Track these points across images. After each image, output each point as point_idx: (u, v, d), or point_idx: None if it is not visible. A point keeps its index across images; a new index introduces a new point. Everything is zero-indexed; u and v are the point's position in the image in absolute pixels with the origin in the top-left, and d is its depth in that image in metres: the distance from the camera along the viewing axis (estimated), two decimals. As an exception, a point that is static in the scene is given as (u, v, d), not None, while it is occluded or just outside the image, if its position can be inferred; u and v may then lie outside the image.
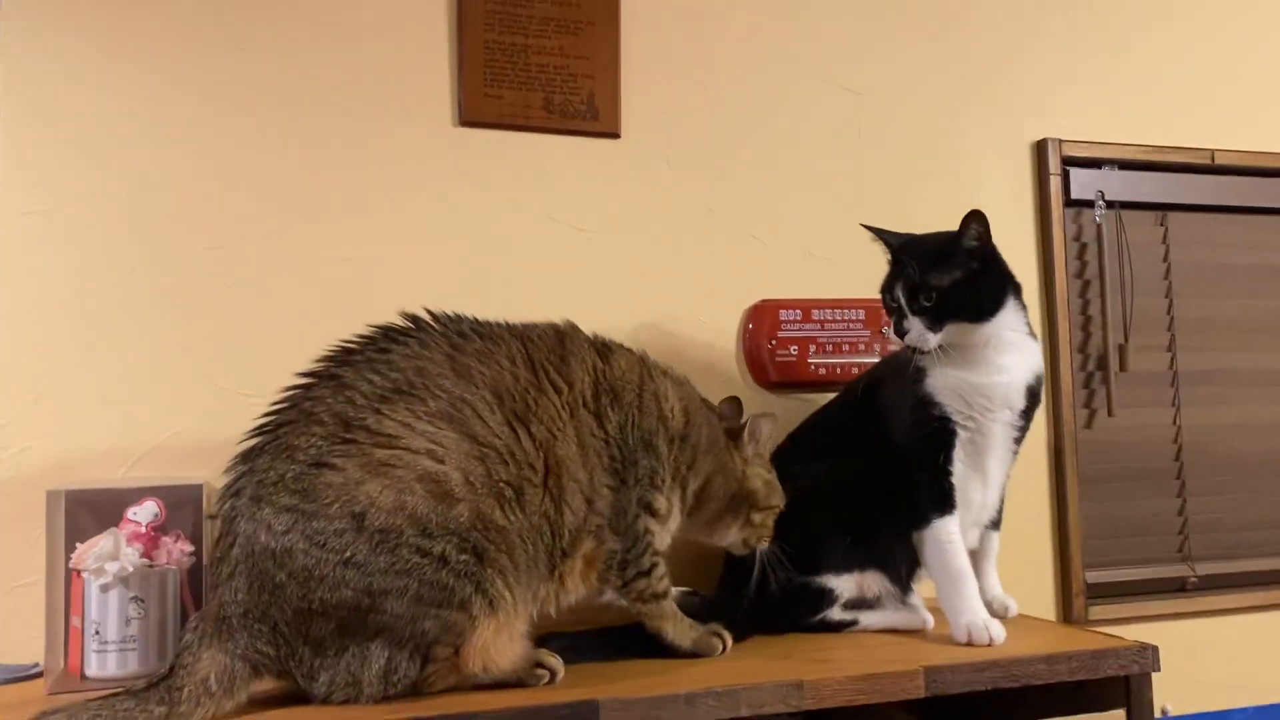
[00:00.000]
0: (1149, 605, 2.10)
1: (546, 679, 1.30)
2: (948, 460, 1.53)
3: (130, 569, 1.39)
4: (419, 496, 1.24)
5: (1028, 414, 1.57)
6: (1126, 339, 2.15)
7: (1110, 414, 2.11)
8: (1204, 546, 2.18)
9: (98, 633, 1.39)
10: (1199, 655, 2.11)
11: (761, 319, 1.88)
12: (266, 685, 1.25)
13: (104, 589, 1.39)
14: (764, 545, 1.56)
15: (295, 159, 1.68)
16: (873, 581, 1.60)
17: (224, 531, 1.26)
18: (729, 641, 1.47)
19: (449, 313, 1.40)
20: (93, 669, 1.39)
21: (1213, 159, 2.22)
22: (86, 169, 1.59)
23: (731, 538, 1.56)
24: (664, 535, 1.48)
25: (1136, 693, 1.44)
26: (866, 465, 1.59)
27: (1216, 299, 2.25)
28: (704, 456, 1.51)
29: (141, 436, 1.59)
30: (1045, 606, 2.04)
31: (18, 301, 1.55)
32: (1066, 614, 2.03)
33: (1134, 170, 2.18)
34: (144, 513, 1.48)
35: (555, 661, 1.32)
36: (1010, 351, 1.52)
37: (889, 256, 1.58)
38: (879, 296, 1.59)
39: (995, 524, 1.67)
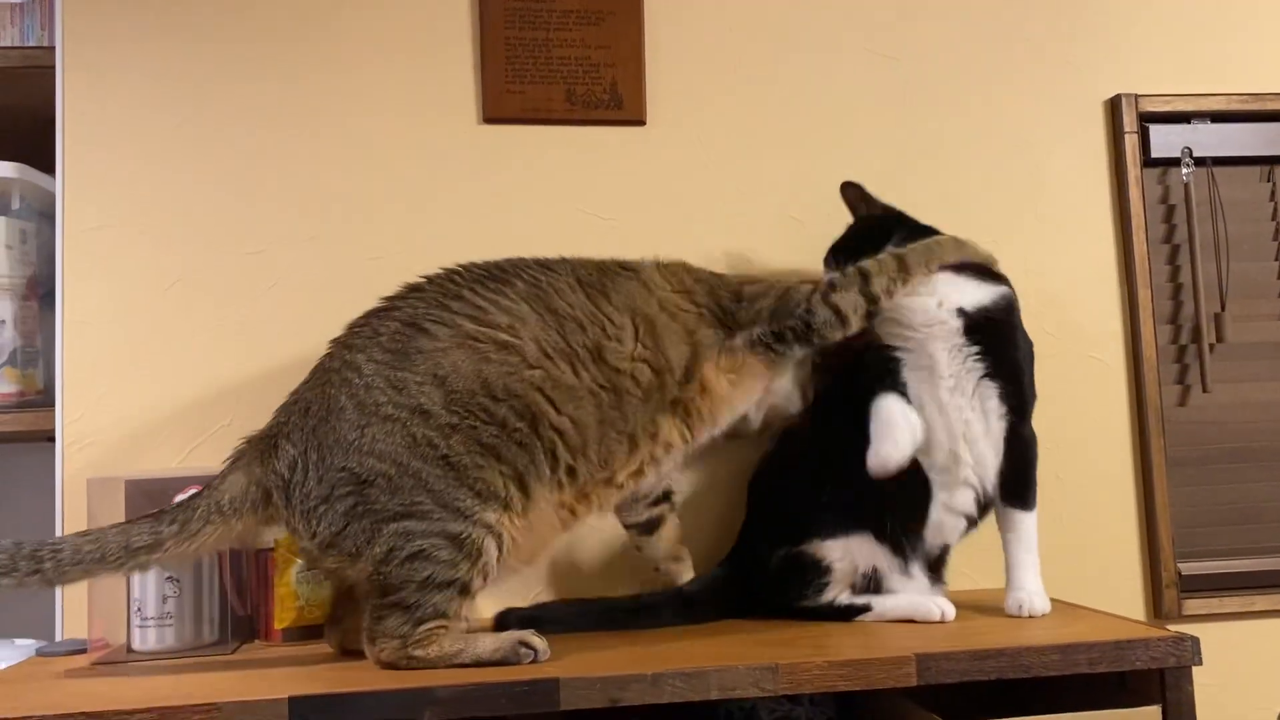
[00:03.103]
0: (1259, 600, 1.90)
1: (531, 658, 1.31)
2: (893, 379, 1.52)
3: (165, 551, 1.50)
4: (494, 364, 1.36)
5: (974, 338, 1.50)
6: (1223, 307, 1.95)
7: (1205, 389, 1.92)
8: (1329, 535, 1.95)
9: (140, 609, 1.51)
10: (1323, 656, 1.90)
11: (800, 300, 1.83)
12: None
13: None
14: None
15: (326, 165, 1.77)
16: (882, 560, 1.52)
17: (313, 371, 1.41)
18: None
19: None
20: (136, 643, 1.51)
21: (1329, 103, 1.99)
22: (142, 186, 1.73)
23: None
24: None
25: (1173, 687, 1.32)
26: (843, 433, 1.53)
27: (1337, 259, 2.01)
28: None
29: (195, 428, 1.71)
30: (1133, 599, 1.88)
31: (86, 309, 1.70)
32: (1156, 608, 1.87)
33: (1230, 122, 1.98)
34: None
35: (540, 641, 1.33)
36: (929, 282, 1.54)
37: None
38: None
39: (1020, 501, 1.52)
